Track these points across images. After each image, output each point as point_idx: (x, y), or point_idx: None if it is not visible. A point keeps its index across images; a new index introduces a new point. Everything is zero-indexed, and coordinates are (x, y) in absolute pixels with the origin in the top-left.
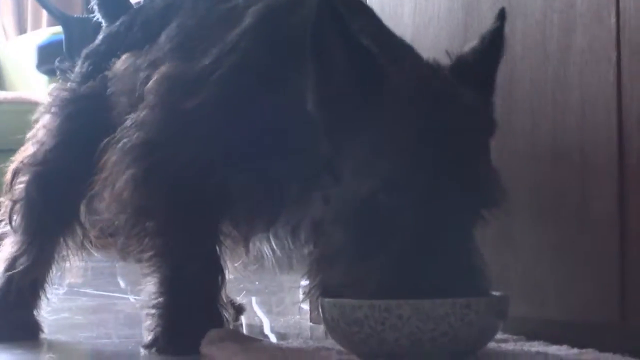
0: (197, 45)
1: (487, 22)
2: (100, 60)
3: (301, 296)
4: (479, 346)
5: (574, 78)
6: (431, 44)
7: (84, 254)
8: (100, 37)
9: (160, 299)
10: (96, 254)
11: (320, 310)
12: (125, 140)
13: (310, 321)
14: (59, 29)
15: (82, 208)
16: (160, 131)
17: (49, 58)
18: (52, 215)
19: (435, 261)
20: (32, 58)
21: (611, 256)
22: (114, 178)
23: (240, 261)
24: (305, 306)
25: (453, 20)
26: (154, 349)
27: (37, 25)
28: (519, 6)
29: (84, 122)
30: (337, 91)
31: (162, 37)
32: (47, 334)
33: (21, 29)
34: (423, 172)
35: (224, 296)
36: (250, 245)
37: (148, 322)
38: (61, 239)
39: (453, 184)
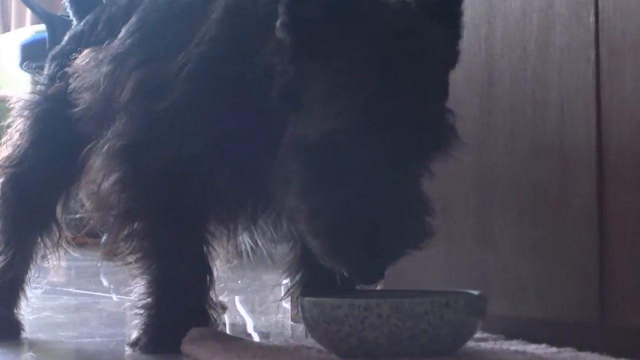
0: (160, 42)
1: (470, 28)
2: (66, 61)
3: (282, 294)
4: (458, 345)
5: (553, 77)
6: None
7: (62, 253)
8: (66, 37)
9: (149, 299)
10: (74, 253)
11: (299, 309)
12: (108, 145)
13: (291, 320)
14: (42, 27)
15: (59, 208)
16: (141, 134)
17: (32, 56)
18: (28, 214)
19: (385, 205)
20: (16, 56)
21: (590, 255)
22: (100, 182)
23: (223, 257)
24: (287, 305)
25: None
26: (138, 347)
27: (21, 24)
28: (498, 5)
29: (54, 123)
30: (308, 14)
31: (123, 31)
32: (27, 332)
33: (5, 27)
34: (379, 114)
35: (212, 296)
36: (232, 240)
37: (135, 322)
38: (38, 238)
39: (407, 126)
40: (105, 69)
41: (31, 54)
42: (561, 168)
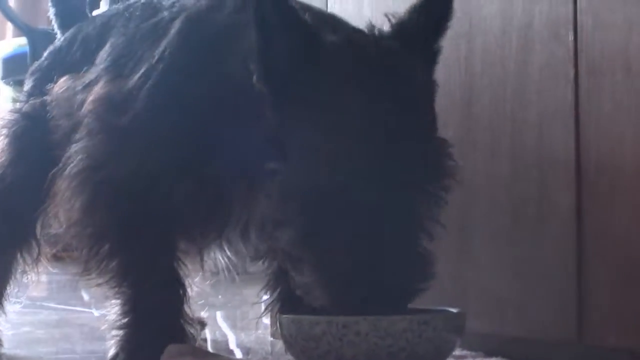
0: (126, 62)
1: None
2: (43, 77)
3: (262, 310)
4: None
5: (533, 95)
6: None
7: (41, 269)
8: (46, 52)
9: (124, 320)
10: (52, 269)
11: (278, 326)
12: (70, 166)
13: (271, 336)
14: (24, 40)
15: (38, 224)
16: (100, 152)
17: (14, 70)
18: (7, 230)
19: (383, 245)
20: None
21: (569, 273)
22: (64, 205)
23: (198, 276)
24: (267, 320)
25: None
26: None
27: (1, 37)
28: (478, 24)
29: (30, 140)
30: (278, 63)
31: (98, 59)
32: (6, 348)
33: None
34: (371, 154)
35: (188, 311)
36: (205, 256)
37: (112, 342)
38: (18, 254)
39: (398, 163)
40: (78, 97)
41: (13, 68)
42: (540, 186)
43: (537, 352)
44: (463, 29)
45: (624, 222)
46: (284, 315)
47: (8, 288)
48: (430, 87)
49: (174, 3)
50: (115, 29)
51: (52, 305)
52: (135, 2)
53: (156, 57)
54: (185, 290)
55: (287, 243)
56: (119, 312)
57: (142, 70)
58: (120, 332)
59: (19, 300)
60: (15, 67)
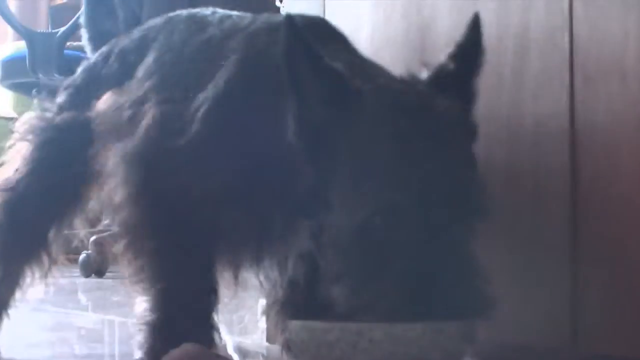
0: (178, 81)
1: (442, 43)
2: (77, 92)
3: (259, 314)
4: None
5: (528, 102)
6: (388, 66)
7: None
8: (79, 68)
9: (153, 317)
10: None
11: (288, 332)
12: (121, 168)
13: (267, 340)
14: (23, 43)
15: (50, 238)
16: (150, 165)
17: (13, 73)
18: (19, 242)
19: (438, 280)
20: None
21: (563, 281)
22: (113, 195)
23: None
24: (263, 325)
25: (410, 43)
26: None
27: (1, 40)
28: None
29: (56, 152)
30: (314, 117)
31: (140, 73)
32: (2, 353)
33: None
34: (413, 190)
35: (216, 316)
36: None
37: (138, 339)
38: (25, 266)
39: (443, 198)
40: (126, 113)
41: (12, 70)
42: (535, 194)
43: (531, 358)
44: (459, 35)
45: (619, 229)
46: (296, 321)
47: (13, 299)
48: (469, 126)
49: (222, 19)
50: (157, 43)
51: (50, 308)
52: (177, 16)
53: (212, 82)
54: (217, 297)
55: (345, 295)
56: (147, 312)
57: (196, 92)
58: (147, 330)
59: (16, 303)
60: (14, 70)
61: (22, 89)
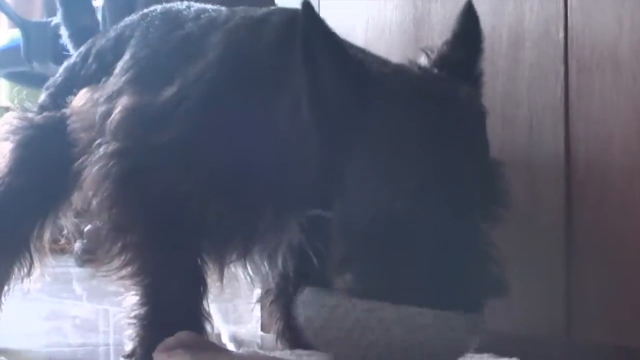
0: (155, 76)
1: (437, 34)
2: (57, 91)
3: (254, 303)
4: None
5: (523, 93)
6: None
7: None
8: (60, 69)
9: (142, 310)
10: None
11: (296, 306)
12: (100, 165)
13: (261, 329)
14: (18, 32)
15: (33, 236)
16: (132, 162)
17: (8, 62)
18: (1, 243)
19: (459, 266)
20: None
21: (557, 270)
22: (94, 195)
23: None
24: (258, 314)
25: (404, 34)
26: (134, 359)
27: None
28: None
29: (36, 151)
30: (331, 99)
31: (117, 69)
32: None
33: None
34: (440, 175)
35: (205, 307)
36: (225, 271)
37: (129, 332)
38: (11, 265)
39: (467, 185)
40: (100, 109)
41: (7, 59)
42: (529, 184)
43: (526, 348)
44: (452, 25)
45: (613, 219)
46: (305, 293)
47: (3, 296)
48: (481, 110)
49: (198, 15)
50: (133, 40)
51: (44, 297)
52: (152, 12)
53: (192, 79)
54: (205, 287)
55: (356, 281)
56: (136, 306)
57: (176, 88)
58: (137, 323)
59: (10, 292)
60: (9, 59)
61: (17, 78)
